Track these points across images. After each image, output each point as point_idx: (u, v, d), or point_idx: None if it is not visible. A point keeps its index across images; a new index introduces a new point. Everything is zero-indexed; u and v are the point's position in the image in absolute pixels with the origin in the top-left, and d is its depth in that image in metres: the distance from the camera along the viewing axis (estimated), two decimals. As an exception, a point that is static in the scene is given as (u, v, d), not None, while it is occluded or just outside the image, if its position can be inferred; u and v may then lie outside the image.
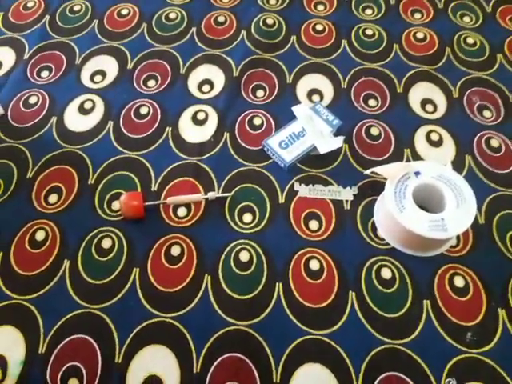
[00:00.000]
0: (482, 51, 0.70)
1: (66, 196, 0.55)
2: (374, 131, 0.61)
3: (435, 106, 0.64)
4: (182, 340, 0.46)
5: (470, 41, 0.71)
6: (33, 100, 0.64)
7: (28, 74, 0.67)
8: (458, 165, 0.58)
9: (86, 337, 0.46)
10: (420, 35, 0.72)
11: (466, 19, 0.74)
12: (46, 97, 0.64)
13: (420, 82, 0.67)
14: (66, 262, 0.51)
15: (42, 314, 0.48)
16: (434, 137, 0.61)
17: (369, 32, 0.72)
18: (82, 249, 0.51)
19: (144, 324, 0.47)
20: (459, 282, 0.50)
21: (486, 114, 0.63)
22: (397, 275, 0.50)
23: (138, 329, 0.47)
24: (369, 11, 0.75)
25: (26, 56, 0.69)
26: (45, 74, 0.67)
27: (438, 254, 0.51)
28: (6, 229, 0.53)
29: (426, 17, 0.74)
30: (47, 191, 0.56)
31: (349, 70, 0.68)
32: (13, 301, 0.48)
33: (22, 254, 0.51)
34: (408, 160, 0.59)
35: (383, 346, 0.46)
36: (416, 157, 0.59)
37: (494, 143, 0.60)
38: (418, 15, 0.75)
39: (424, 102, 0.65)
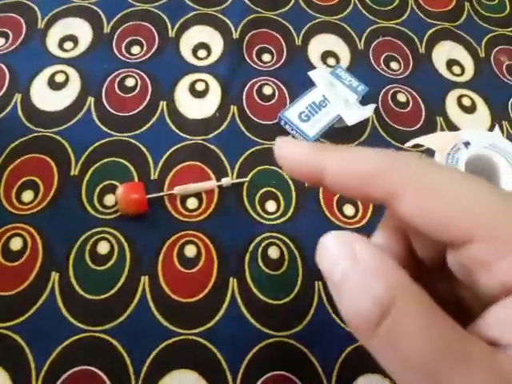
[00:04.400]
0: (502, 6, 0.64)
1: (45, 192, 0.44)
2: (401, 97, 0.54)
3: (462, 68, 0.57)
4: (212, 361, 0.38)
5: (491, -6, 0.64)
6: (-12, 74, 0.51)
7: (-22, 42, 0.54)
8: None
9: (92, 368, 0.37)
10: (436, -12, 0.64)
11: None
12: (5, 69, 0.52)
13: (443, 40, 0.60)
14: (55, 275, 0.40)
15: (29, 344, 0.38)
16: (466, 102, 0.54)
17: (380, -14, 0.64)
18: (72, 257, 0.41)
19: (163, 345, 0.38)
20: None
21: (518, 73, 0.57)
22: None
23: (155, 352, 0.38)
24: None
25: (-28, 20, 0.55)
26: (0, 41, 0.54)
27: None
28: (-30, 238, 0.42)
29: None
30: (19, 187, 0.44)
31: (364, 30, 0.59)
32: (-11, 330, 0.38)
33: (-6, 270, 0.40)
34: (442, 129, 0.52)
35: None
36: (450, 125, 0.52)
37: (533, 106, 0.54)
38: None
39: (450, 64, 0.57)
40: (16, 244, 0.41)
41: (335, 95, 0.51)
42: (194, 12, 0.59)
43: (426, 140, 0.44)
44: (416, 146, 0.46)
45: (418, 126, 0.52)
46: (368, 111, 0.50)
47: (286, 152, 0.17)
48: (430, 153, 0.47)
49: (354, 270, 0.14)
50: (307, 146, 0.16)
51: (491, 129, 0.52)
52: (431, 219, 0.14)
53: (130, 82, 0.52)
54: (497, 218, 0.13)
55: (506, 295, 0.13)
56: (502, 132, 0.52)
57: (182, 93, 0.52)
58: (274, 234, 0.44)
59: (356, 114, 0.49)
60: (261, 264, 0.42)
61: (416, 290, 0.13)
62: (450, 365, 0.12)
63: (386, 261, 0.14)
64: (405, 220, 0.15)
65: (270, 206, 0.46)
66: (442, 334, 0.13)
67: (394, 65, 0.56)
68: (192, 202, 0.45)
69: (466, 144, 0.44)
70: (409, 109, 0.53)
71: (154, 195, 0.43)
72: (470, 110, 0.54)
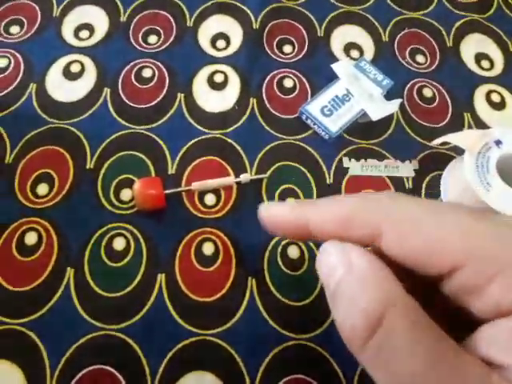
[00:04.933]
0: (534, -4, 0.61)
1: (60, 185, 0.43)
2: (427, 92, 0.52)
3: (491, 62, 0.55)
4: (230, 363, 0.37)
5: (523, -16, 0.61)
6: (2, 63, 0.50)
7: (-7, 30, 0.53)
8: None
9: (106, 367, 0.36)
10: (465, -22, 0.61)
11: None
12: (20, 58, 0.51)
13: (471, 33, 0.57)
14: (70, 271, 0.40)
15: (44, 341, 0.37)
16: (495, 98, 0.52)
17: (405, -25, 0.61)
18: (87, 253, 0.40)
19: (180, 345, 0.37)
20: None
21: (553, 69, 0.54)
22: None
23: (172, 352, 0.37)
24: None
25: (-13, 7, 0.54)
26: (15, 29, 0.53)
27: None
28: (-16, 231, 0.41)
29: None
30: (34, 180, 0.44)
31: (388, 21, 0.57)
32: (5, 326, 0.37)
33: (8, 265, 0.39)
34: (470, 126, 0.50)
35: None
36: (478, 122, 0.50)
37: None
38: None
39: (478, 57, 0.55)
40: (31, 238, 0.41)
41: (359, 89, 0.49)
42: (213, 1, 0.57)
43: (454, 138, 0.42)
44: (444, 143, 0.44)
45: (445, 122, 0.50)
46: (394, 106, 0.48)
47: (271, 215, 0.17)
48: (458, 151, 0.46)
49: (348, 278, 0.14)
50: (289, 205, 0.17)
51: (521, 126, 0.50)
52: (413, 255, 0.14)
53: (146, 73, 0.51)
54: (478, 241, 0.13)
55: (502, 316, 0.13)
56: (533, 130, 0.50)
57: (200, 85, 0.50)
58: (294, 233, 0.42)
59: (381, 109, 0.47)
60: (280, 264, 0.41)
61: (407, 303, 0.13)
62: (439, 380, 0.12)
63: (380, 271, 0.14)
64: (392, 258, 0.15)
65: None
66: (432, 349, 0.12)
67: (419, 58, 0.54)
68: (210, 199, 0.44)
69: (498, 143, 0.42)
70: (435, 104, 0.51)
71: (172, 191, 0.42)
72: (499, 106, 0.52)
